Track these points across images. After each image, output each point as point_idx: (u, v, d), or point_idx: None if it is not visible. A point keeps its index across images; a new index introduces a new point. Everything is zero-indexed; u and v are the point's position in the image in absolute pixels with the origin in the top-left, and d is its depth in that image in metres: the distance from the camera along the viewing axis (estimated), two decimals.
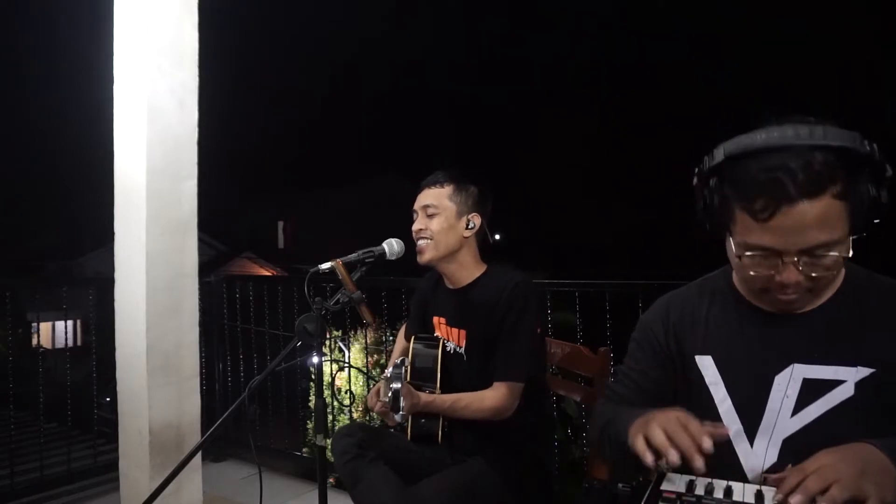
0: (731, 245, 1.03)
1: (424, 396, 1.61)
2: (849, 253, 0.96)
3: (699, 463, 0.88)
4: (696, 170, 1.05)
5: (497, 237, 1.85)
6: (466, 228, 1.75)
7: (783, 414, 1.04)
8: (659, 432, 0.92)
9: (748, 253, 0.99)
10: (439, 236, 1.73)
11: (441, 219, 1.74)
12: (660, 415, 0.97)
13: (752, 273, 1.01)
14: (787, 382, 1.04)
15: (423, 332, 1.89)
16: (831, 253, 0.94)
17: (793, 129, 0.92)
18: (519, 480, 1.66)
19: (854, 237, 0.98)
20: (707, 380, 1.12)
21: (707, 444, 0.89)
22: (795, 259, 0.95)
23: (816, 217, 0.92)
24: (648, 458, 0.91)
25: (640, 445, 0.93)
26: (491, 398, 1.64)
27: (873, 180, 0.94)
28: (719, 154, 0.98)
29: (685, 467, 0.97)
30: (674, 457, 0.89)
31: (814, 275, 0.97)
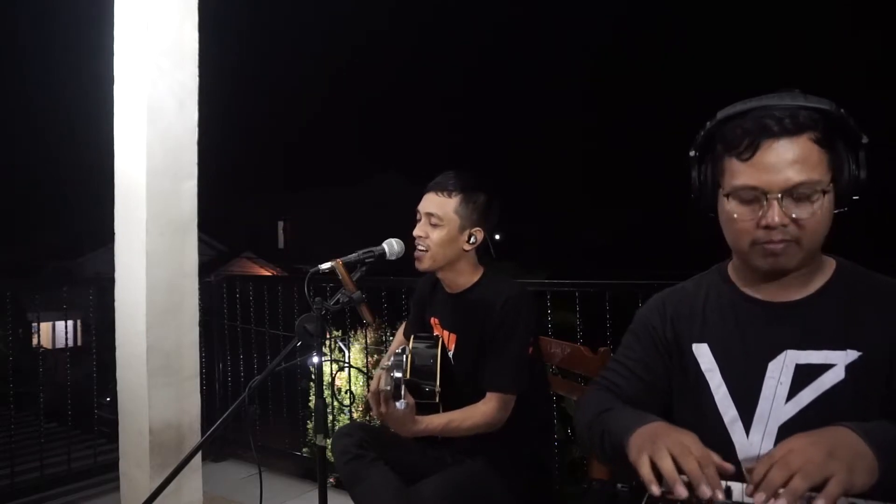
0: (722, 200, 1.07)
1: (417, 425, 1.58)
2: (829, 189, 1.01)
3: (708, 492, 0.85)
4: (692, 141, 1.12)
5: (497, 237, 1.85)
6: (468, 242, 1.73)
7: (777, 401, 1.05)
8: (667, 457, 0.89)
9: (735, 197, 1.04)
10: (438, 248, 1.71)
11: (443, 231, 1.71)
12: (668, 436, 0.94)
13: (737, 216, 1.04)
14: (781, 369, 1.06)
15: (422, 332, 1.89)
16: (813, 194, 0.99)
17: (778, 95, 1.03)
18: (519, 480, 1.66)
19: (835, 211, 1.03)
20: (703, 367, 1.13)
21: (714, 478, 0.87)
22: (779, 196, 0.99)
23: (796, 155, 0.99)
24: (655, 490, 0.88)
25: (645, 471, 0.90)
26: (481, 412, 1.63)
27: (850, 147, 1.03)
28: (713, 121, 1.08)
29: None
30: (682, 492, 0.86)
31: (794, 215, 1.00)
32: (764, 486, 0.81)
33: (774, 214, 1.00)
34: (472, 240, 1.73)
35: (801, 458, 0.82)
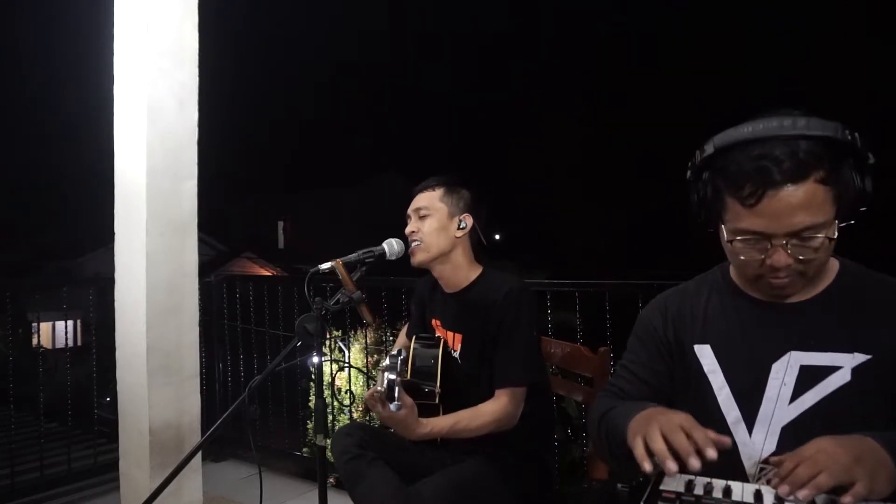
0: (724, 233, 1.06)
1: (421, 428, 1.57)
2: (834, 235, 0.99)
3: (696, 464, 0.87)
4: (689, 164, 1.09)
5: (497, 237, 1.86)
6: (458, 229, 1.75)
7: (781, 402, 1.06)
8: (658, 437, 0.91)
9: (739, 238, 1.02)
10: (430, 238, 1.74)
11: (433, 220, 1.75)
12: (661, 416, 0.96)
13: (743, 258, 1.04)
14: (785, 370, 1.06)
15: (423, 333, 1.89)
16: (818, 236, 0.98)
17: (778, 121, 0.97)
18: (519, 480, 1.66)
19: (842, 224, 1.02)
20: (705, 368, 1.13)
21: (711, 453, 0.88)
22: (784, 242, 0.99)
23: (801, 201, 0.96)
24: (647, 467, 0.90)
25: (638, 450, 0.92)
26: (490, 411, 1.63)
27: (857, 168, 0.99)
28: (709, 147, 1.03)
29: (686, 468, 0.98)
30: (672, 467, 0.87)
31: (801, 257, 0.99)
32: (790, 480, 0.83)
33: (780, 258, 0.99)
34: (462, 225, 1.76)
35: (829, 459, 0.83)
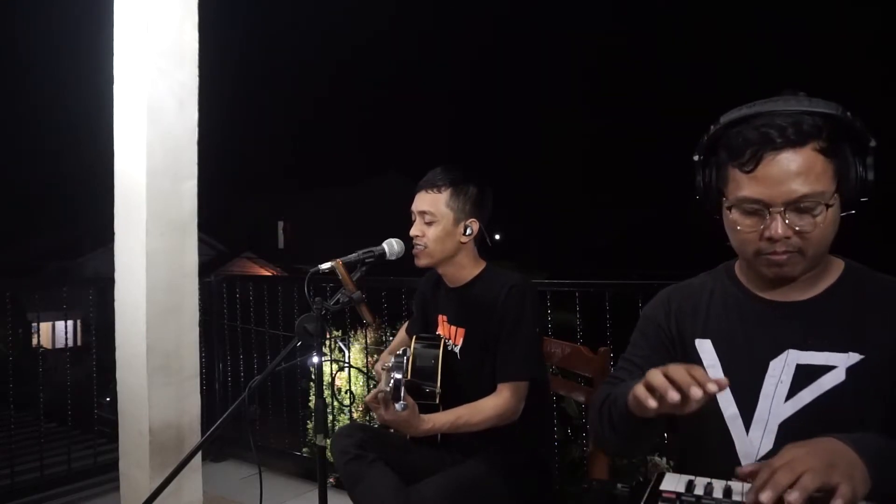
0: (725, 211, 1.07)
1: (423, 424, 1.57)
2: (833, 203, 1.00)
3: (697, 392, 0.87)
4: (696, 145, 1.12)
5: (497, 237, 1.85)
6: (464, 234, 1.74)
7: (777, 399, 1.06)
8: (659, 375, 0.92)
9: (739, 206, 1.04)
10: (435, 244, 1.73)
11: (438, 227, 1.72)
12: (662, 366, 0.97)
13: (740, 228, 1.04)
14: (782, 368, 1.06)
15: (424, 332, 1.89)
16: (817, 206, 0.99)
17: (783, 99, 1.02)
18: (519, 480, 1.66)
19: (843, 214, 1.03)
20: (705, 362, 1.14)
21: (712, 387, 0.88)
22: (782, 210, 0.99)
23: (800, 167, 0.98)
24: (651, 403, 0.91)
25: (640, 391, 0.93)
26: (492, 405, 1.63)
27: (858, 150, 1.01)
28: (717, 125, 1.07)
29: (685, 466, 0.98)
30: (674, 395, 0.88)
31: (798, 228, 1.00)
32: (771, 485, 0.80)
33: (777, 227, 0.99)
34: (468, 231, 1.74)
35: (804, 465, 0.81)
